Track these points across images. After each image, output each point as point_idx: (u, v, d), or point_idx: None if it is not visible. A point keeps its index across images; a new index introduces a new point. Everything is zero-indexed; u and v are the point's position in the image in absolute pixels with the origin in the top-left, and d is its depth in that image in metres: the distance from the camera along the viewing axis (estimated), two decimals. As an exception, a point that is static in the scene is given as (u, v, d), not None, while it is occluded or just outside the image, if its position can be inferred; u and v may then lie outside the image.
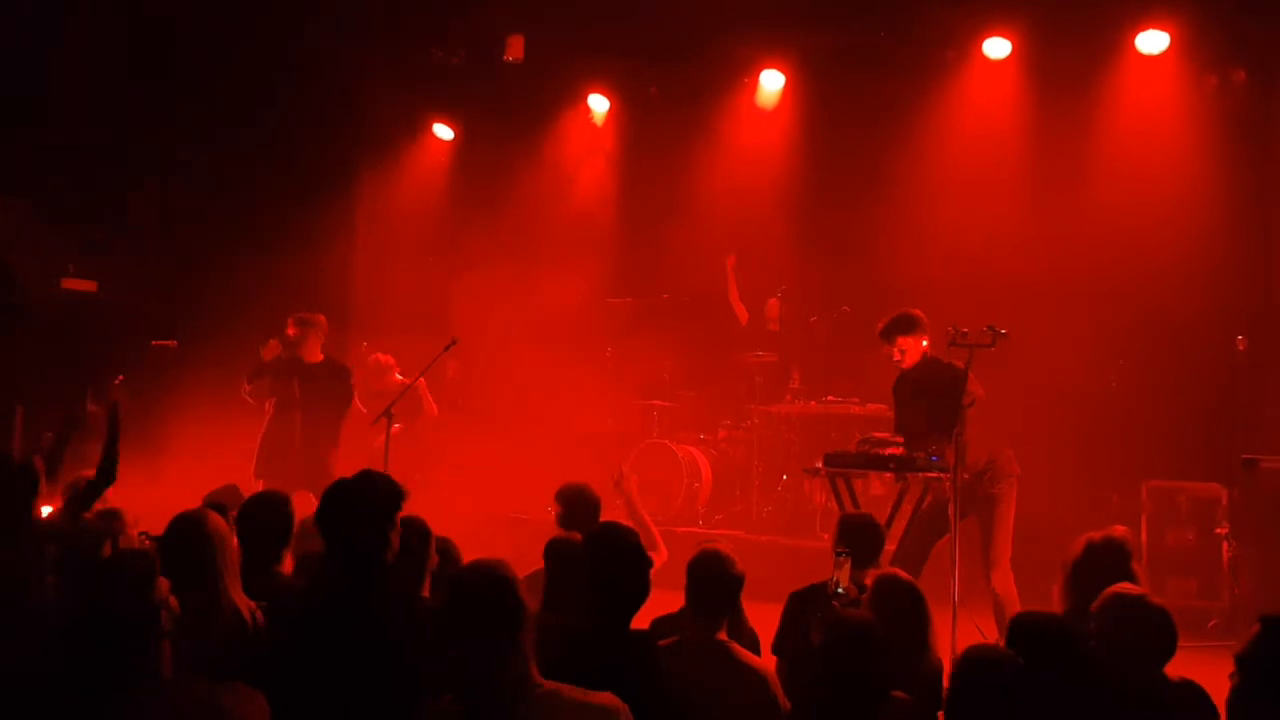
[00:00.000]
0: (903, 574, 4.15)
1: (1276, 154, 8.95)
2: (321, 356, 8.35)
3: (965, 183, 9.50)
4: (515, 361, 10.23)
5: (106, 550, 4.04)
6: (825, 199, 10.28)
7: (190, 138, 10.88)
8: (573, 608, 3.61)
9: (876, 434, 6.70)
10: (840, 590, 4.12)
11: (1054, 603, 4.17)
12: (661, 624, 4.10)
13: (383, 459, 7.14)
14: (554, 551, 4.18)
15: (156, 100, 10.73)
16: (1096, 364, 9.04)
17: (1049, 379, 8.75)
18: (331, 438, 8.24)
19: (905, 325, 6.59)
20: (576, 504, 4.95)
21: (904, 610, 3.88)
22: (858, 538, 4.65)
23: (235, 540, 3.96)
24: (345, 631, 3.32)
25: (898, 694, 3.37)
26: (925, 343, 6.58)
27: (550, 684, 2.88)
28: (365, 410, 8.54)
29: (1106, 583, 3.73)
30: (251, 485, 7.22)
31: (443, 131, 12.36)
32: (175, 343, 10.61)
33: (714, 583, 3.88)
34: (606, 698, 2.90)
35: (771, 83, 10.92)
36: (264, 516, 4.25)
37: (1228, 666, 3.21)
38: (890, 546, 5.69)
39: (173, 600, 3.07)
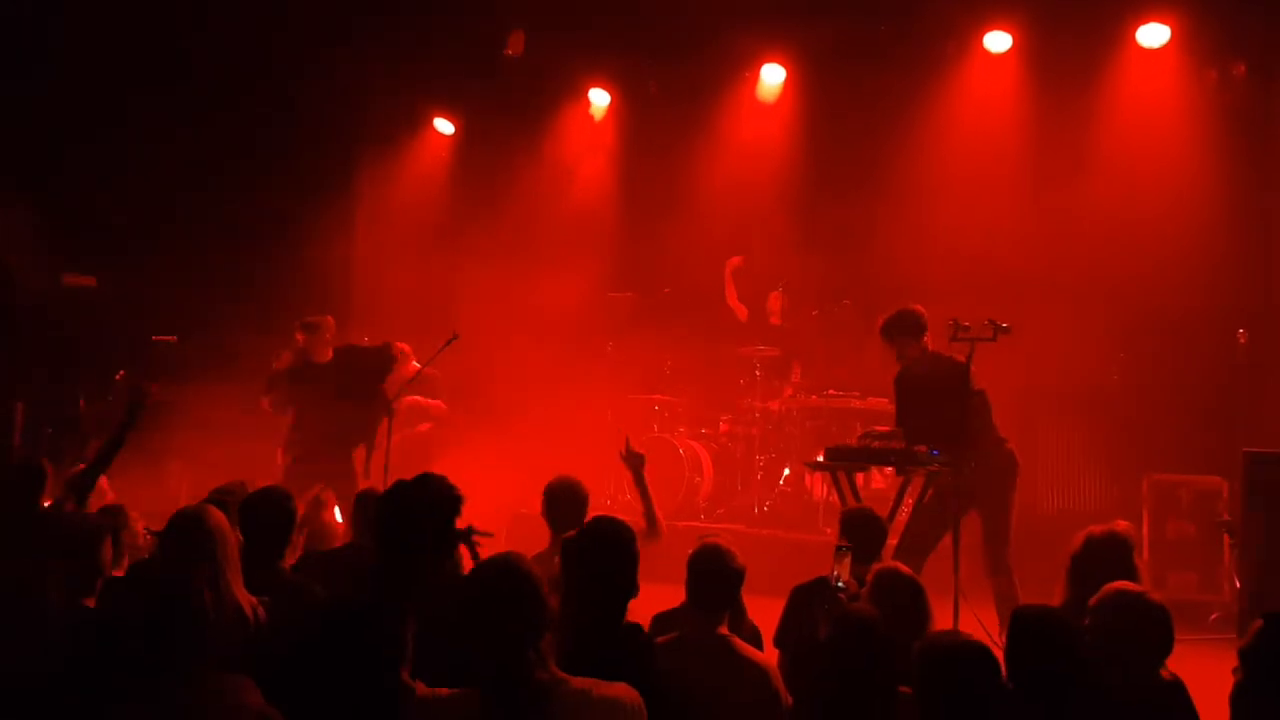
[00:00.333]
0: (903, 568, 4.14)
1: (1277, 148, 8.94)
2: (330, 354, 8.32)
3: (966, 176, 9.49)
4: (516, 356, 10.21)
5: (107, 545, 4.03)
6: (826, 192, 10.25)
7: (190, 134, 10.86)
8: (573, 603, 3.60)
9: (878, 428, 6.71)
10: (840, 584, 4.11)
11: (1056, 596, 4.17)
12: (662, 619, 4.10)
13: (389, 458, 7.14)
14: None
15: (156, 99, 10.71)
16: (1097, 358, 9.02)
17: (1050, 373, 8.75)
18: (363, 430, 8.07)
19: (904, 326, 6.58)
20: (561, 498, 4.91)
21: (904, 605, 3.86)
22: (860, 532, 4.65)
23: (236, 535, 3.96)
24: (356, 632, 3.31)
25: (904, 689, 3.37)
26: (926, 339, 6.57)
27: (574, 679, 2.88)
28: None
29: (1107, 577, 3.73)
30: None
31: (443, 126, 12.34)
32: (175, 338, 10.60)
33: (715, 577, 3.88)
34: (623, 689, 2.91)
35: (772, 77, 10.92)
36: (266, 511, 4.25)
37: (1229, 660, 3.21)
38: (892, 541, 5.69)
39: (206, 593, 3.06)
